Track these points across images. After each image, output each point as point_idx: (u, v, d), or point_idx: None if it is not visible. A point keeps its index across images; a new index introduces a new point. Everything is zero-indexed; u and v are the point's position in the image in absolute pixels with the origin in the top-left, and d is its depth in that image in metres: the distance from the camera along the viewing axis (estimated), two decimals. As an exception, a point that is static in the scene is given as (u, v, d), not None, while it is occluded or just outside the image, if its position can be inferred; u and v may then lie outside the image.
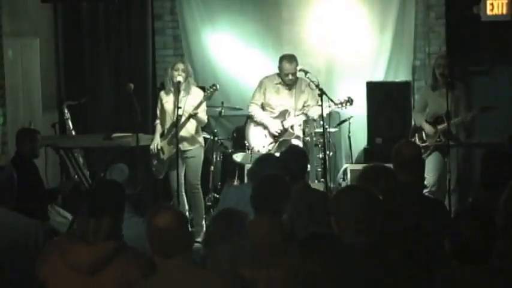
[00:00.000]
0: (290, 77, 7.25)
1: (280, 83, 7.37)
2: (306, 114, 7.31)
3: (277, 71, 7.52)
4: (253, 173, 4.80)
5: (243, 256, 3.34)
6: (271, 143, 7.36)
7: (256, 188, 3.72)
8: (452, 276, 3.00)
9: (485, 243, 2.96)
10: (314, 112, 7.26)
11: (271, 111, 7.39)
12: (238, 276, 3.27)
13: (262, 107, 7.43)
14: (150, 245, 3.20)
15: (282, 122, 7.36)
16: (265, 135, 7.40)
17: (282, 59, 7.35)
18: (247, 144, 7.54)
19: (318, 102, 7.00)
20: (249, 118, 7.57)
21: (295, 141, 7.31)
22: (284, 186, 3.71)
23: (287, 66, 7.25)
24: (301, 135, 7.48)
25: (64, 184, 6.81)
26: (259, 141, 7.40)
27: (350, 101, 7.33)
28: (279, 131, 7.32)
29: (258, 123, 7.42)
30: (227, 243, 3.49)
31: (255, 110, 7.42)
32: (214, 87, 7.18)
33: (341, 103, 7.30)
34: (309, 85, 7.29)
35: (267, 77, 7.51)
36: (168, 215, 3.20)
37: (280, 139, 7.33)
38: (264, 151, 7.32)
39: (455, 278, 2.98)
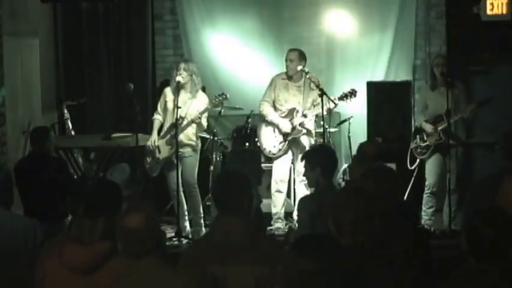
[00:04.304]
0: (288, 63, 7.24)
1: (288, 78, 7.35)
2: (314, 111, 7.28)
3: (279, 70, 7.52)
4: None
5: (212, 254, 3.32)
6: (281, 142, 7.34)
7: (213, 185, 3.65)
8: (469, 274, 2.99)
9: (503, 242, 2.96)
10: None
11: (280, 110, 7.35)
12: (208, 274, 3.25)
13: (273, 104, 7.41)
14: (121, 247, 3.19)
15: (290, 120, 7.33)
16: (275, 135, 7.35)
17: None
18: (258, 145, 7.53)
19: (327, 101, 7.02)
20: (260, 118, 7.50)
21: (304, 138, 7.30)
22: (241, 183, 3.56)
23: (288, 53, 7.30)
24: (312, 130, 7.42)
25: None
26: (270, 141, 7.37)
27: (354, 92, 7.28)
28: (289, 130, 7.28)
29: (268, 123, 7.39)
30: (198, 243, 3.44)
31: (266, 109, 7.36)
32: (224, 96, 7.21)
33: (345, 95, 7.26)
34: (309, 85, 7.25)
35: (277, 75, 7.50)
36: (138, 216, 3.16)
37: (289, 138, 7.31)
38: (275, 151, 7.33)
39: (471, 276, 2.97)
